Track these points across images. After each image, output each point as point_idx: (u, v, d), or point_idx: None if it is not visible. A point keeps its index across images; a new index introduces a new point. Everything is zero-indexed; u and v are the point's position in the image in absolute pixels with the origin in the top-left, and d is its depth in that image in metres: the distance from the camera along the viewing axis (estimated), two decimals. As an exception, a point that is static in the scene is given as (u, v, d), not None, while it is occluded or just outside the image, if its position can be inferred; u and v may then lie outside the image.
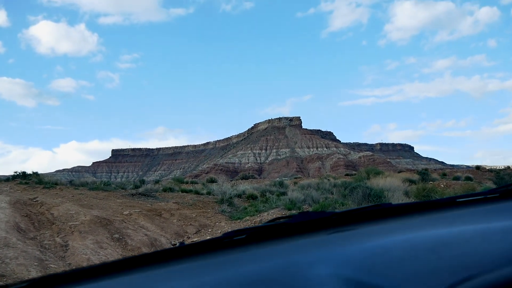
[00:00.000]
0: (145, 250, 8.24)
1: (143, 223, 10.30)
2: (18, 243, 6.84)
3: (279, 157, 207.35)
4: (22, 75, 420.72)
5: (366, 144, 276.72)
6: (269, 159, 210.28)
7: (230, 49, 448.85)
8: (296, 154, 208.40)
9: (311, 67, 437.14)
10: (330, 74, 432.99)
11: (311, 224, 1.19)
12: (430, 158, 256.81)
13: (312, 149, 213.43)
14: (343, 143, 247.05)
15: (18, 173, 19.23)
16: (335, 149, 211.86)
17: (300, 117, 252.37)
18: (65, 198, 12.50)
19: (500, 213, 1.16)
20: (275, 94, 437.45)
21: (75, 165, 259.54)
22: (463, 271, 0.82)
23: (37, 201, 11.04)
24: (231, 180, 37.69)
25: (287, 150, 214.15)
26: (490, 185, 22.08)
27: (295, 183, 24.95)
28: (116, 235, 8.63)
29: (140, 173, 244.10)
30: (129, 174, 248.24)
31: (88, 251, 7.29)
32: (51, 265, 6.38)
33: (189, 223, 11.36)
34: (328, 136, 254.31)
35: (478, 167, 43.45)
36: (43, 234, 8.18)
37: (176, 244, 8.90)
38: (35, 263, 6.10)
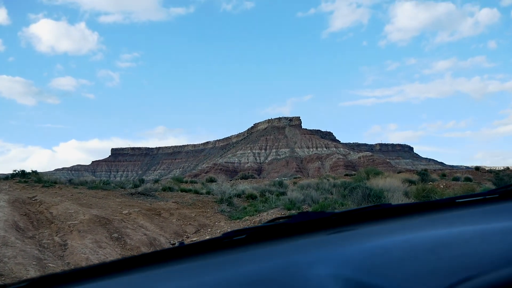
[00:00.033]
0: (144, 249, 8.22)
1: (142, 222, 10.29)
2: (16, 242, 6.82)
3: (278, 157, 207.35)
4: (22, 73, 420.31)
5: (365, 145, 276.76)
6: (269, 159, 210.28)
7: (231, 49, 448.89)
8: (295, 154, 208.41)
9: (312, 67, 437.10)
10: (331, 75, 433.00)
11: (310, 224, 1.19)
12: (430, 159, 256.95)
13: (311, 149, 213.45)
14: (343, 143, 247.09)
15: (17, 171, 19.22)
16: (334, 149, 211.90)
17: (300, 117, 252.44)
18: (64, 197, 12.49)
19: (500, 213, 1.17)
20: (275, 94, 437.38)
21: (75, 164, 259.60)
22: (462, 271, 0.82)
23: (36, 200, 11.02)
24: (231, 180, 37.69)
25: (287, 150, 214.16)
26: (489, 186, 22.10)
27: (295, 183, 24.93)
28: (115, 235, 8.61)
29: (140, 172, 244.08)
30: (129, 173, 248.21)
31: (87, 250, 7.27)
32: (49, 264, 6.36)
33: (188, 223, 11.34)
34: (327, 136, 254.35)
35: (477, 168, 43.47)
36: (42, 233, 8.16)
37: (175, 244, 8.88)
38: (34, 262, 6.07)
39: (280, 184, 21.31)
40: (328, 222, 1.21)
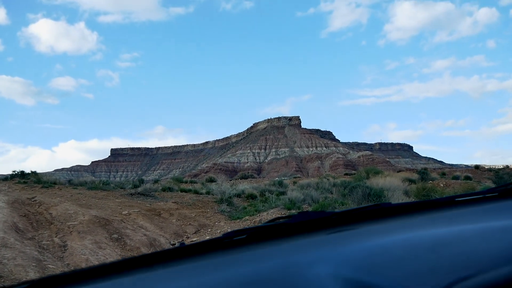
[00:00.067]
0: (144, 250, 8.20)
1: (142, 223, 10.26)
2: (16, 243, 6.79)
3: (278, 157, 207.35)
4: (21, 73, 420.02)
5: (365, 144, 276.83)
6: (268, 158, 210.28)
7: (230, 48, 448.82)
8: (295, 153, 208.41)
9: (311, 67, 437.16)
10: (330, 74, 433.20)
11: (310, 224, 1.19)
12: (429, 158, 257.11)
13: (311, 149, 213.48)
14: (342, 143, 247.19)
15: (16, 172, 19.17)
16: (334, 148, 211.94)
17: (299, 116, 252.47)
18: (63, 198, 12.46)
19: (499, 212, 1.17)
20: (274, 93, 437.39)
21: (74, 164, 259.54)
22: (461, 270, 0.83)
23: (35, 200, 10.99)
24: (230, 180, 37.68)
25: (286, 149, 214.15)
26: (489, 184, 22.11)
27: (295, 182, 24.91)
28: (115, 235, 8.58)
29: (139, 172, 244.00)
30: (128, 173, 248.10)
31: (86, 251, 7.25)
32: (49, 265, 6.34)
33: (188, 223, 11.32)
34: (327, 135, 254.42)
35: (477, 167, 43.50)
36: (41, 234, 8.13)
37: (175, 244, 8.87)
38: (33, 264, 6.05)
39: (280, 183, 21.28)
40: (328, 221, 1.21)
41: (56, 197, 12.39)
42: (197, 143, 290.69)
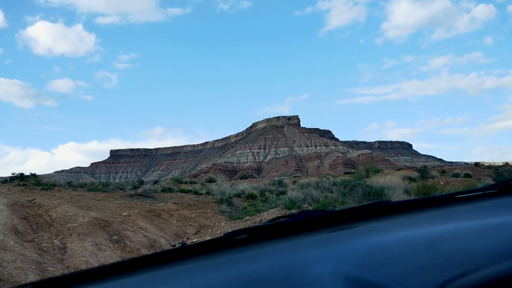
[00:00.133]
0: (144, 251, 8.17)
1: (142, 224, 10.23)
2: (15, 246, 6.75)
3: (277, 156, 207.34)
4: (19, 76, 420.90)
5: (364, 142, 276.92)
6: (268, 158, 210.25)
7: (228, 48, 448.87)
8: (294, 153, 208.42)
9: (309, 66, 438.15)
10: (328, 73, 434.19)
11: (311, 223, 1.20)
12: (429, 155, 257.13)
13: (310, 148, 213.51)
14: (342, 142, 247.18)
15: (16, 174, 19.11)
16: (333, 147, 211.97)
17: (298, 116, 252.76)
18: (63, 200, 12.42)
19: (498, 209, 1.18)
20: (273, 93, 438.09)
21: (74, 166, 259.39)
22: (457, 267, 0.84)
23: (35, 203, 10.95)
24: (230, 180, 37.63)
25: (286, 149, 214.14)
26: (489, 181, 22.11)
27: (295, 182, 24.87)
28: (115, 237, 8.55)
29: (139, 173, 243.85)
30: (128, 174, 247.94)
31: (86, 253, 7.21)
32: (49, 268, 6.31)
33: (188, 224, 11.29)
34: (326, 134, 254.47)
35: (476, 164, 43.49)
36: (41, 236, 8.09)
37: (175, 245, 8.84)
38: (33, 266, 6.02)
39: (280, 183, 21.25)
40: (329, 220, 1.21)
41: (55, 199, 12.35)
42: (197, 143, 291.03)
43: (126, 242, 8.45)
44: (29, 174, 19.01)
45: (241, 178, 39.26)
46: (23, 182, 17.04)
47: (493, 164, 47.70)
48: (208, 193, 17.55)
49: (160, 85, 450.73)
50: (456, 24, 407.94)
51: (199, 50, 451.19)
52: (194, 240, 9.65)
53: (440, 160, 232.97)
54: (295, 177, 40.80)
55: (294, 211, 11.52)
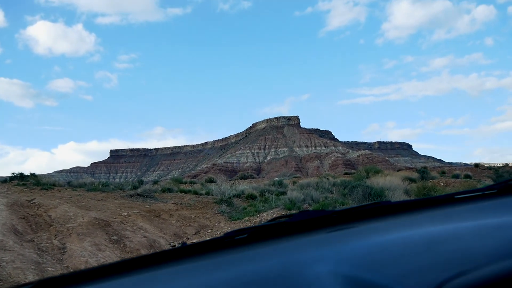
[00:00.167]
0: (144, 252, 8.15)
1: (141, 224, 10.21)
2: (15, 246, 6.74)
3: (277, 157, 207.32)
4: (19, 75, 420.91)
5: (364, 143, 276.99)
6: (268, 158, 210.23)
7: (228, 49, 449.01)
8: (294, 153, 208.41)
9: (309, 66, 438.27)
10: (328, 73, 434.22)
11: (311, 223, 1.19)
12: (428, 156, 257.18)
13: (310, 148, 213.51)
14: (342, 142, 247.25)
15: (15, 174, 19.10)
16: (333, 148, 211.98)
17: (298, 116, 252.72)
18: (63, 200, 12.40)
19: (497, 209, 1.18)
20: (273, 93, 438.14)
21: (73, 166, 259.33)
22: (456, 267, 0.84)
23: (34, 202, 10.93)
24: (230, 180, 37.60)
25: (286, 149, 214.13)
26: (489, 183, 22.07)
27: (294, 182, 24.86)
28: (115, 237, 8.53)
29: (139, 173, 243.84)
30: (128, 174, 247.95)
31: (86, 253, 7.20)
32: (48, 268, 6.29)
33: (188, 224, 11.27)
34: (326, 135, 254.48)
35: (476, 165, 43.51)
36: (40, 236, 8.08)
37: (175, 246, 8.82)
38: (32, 267, 6.00)
39: (280, 183, 21.24)
40: (329, 220, 1.22)
41: (55, 199, 12.33)
42: (197, 143, 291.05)
43: (126, 242, 8.43)
44: (29, 174, 19.00)
45: (241, 178, 39.27)
46: (22, 182, 17.03)
47: (493, 165, 47.69)
48: (208, 194, 17.53)
49: (160, 85, 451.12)
50: (456, 25, 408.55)
51: (199, 50, 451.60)
52: (194, 241, 9.63)
53: (440, 161, 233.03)
54: (295, 177, 40.79)
55: (294, 211, 11.51)
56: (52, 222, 9.08)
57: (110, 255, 7.50)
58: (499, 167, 41.87)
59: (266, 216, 11.32)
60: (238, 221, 11.73)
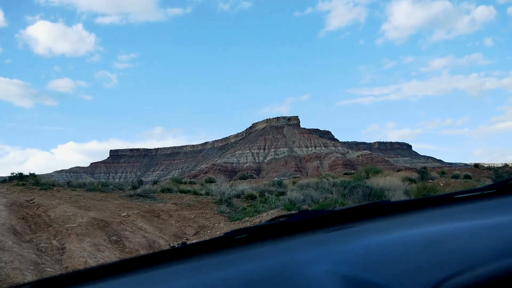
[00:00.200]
0: (143, 252, 8.13)
1: (141, 224, 10.19)
2: (13, 246, 6.72)
3: (277, 157, 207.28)
4: (19, 75, 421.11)
5: (364, 143, 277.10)
6: (268, 158, 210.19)
7: (228, 49, 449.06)
8: (294, 153, 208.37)
9: (309, 66, 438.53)
10: (328, 74, 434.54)
11: (310, 223, 1.20)
12: (428, 157, 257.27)
13: (310, 148, 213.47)
14: (341, 142, 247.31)
15: (15, 174, 19.07)
16: (333, 148, 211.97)
17: (298, 116, 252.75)
18: (62, 200, 12.37)
19: (496, 208, 1.19)
20: (273, 93, 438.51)
21: (73, 166, 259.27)
22: (456, 266, 0.85)
23: (33, 202, 10.91)
24: (230, 180, 37.58)
25: (285, 149, 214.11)
26: (489, 183, 22.05)
27: (294, 182, 24.84)
28: (114, 237, 8.51)
29: (138, 173, 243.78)
30: (127, 174, 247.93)
31: (85, 254, 7.18)
32: (47, 268, 6.27)
33: (187, 224, 11.25)
34: (326, 135, 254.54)
35: (476, 165, 43.52)
36: (39, 236, 8.06)
37: (174, 246, 8.80)
38: (31, 267, 5.98)
39: (280, 184, 21.23)
40: (328, 220, 1.21)
41: (54, 199, 12.31)
42: (196, 143, 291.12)
43: (125, 242, 8.41)
44: (28, 174, 18.97)
45: (241, 178, 39.25)
46: (22, 182, 17.00)
47: (492, 165, 47.72)
48: (207, 194, 17.51)
49: (160, 85, 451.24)
50: (456, 26, 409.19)
51: (199, 50, 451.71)
52: (193, 241, 9.61)
53: (440, 161, 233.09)
54: (294, 177, 40.77)
55: (293, 211, 11.49)
56: (51, 222, 9.06)
57: (110, 256, 7.48)
58: (498, 168, 41.89)
59: (265, 217, 11.30)
60: (238, 221, 11.72)
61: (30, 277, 5.60)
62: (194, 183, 28.55)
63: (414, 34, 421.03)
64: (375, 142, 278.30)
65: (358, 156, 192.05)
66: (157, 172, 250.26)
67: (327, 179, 24.96)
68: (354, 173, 31.62)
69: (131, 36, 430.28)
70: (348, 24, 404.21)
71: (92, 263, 6.85)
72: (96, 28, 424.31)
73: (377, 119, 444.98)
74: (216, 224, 11.62)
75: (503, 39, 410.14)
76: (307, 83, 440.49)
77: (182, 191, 18.30)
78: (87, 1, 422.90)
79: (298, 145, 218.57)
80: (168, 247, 8.90)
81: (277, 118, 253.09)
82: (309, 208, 12.28)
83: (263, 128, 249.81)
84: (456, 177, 28.42)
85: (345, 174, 40.51)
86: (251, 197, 16.56)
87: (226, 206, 14.20)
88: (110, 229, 8.92)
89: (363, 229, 1.13)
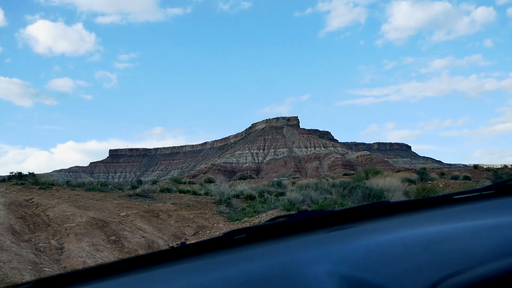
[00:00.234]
0: (142, 252, 8.11)
1: (140, 224, 10.17)
2: (12, 245, 6.70)
3: (277, 157, 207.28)
4: (19, 74, 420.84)
5: (363, 144, 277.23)
6: (267, 159, 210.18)
7: (228, 49, 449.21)
8: (293, 154, 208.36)
9: (309, 67, 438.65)
10: (328, 74, 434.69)
11: (310, 223, 1.20)
12: (427, 157, 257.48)
13: (309, 149, 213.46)
14: (341, 143, 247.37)
15: (14, 173, 19.04)
16: (332, 148, 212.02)
17: (297, 116, 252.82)
18: (61, 199, 12.35)
19: (494, 209, 1.19)
20: (273, 94, 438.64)
21: (73, 166, 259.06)
22: (455, 266, 0.85)
23: (32, 202, 10.88)
24: (229, 180, 37.57)
25: (285, 150, 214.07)
26: (488, 184, 22.07)
27: (293, 183, 24.83)
28: (113, 237, 8.50)
29: (138, 173, 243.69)
30: (127, 174, 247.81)
31: (84, 253, 7.16)
32: (45, 268, 6.25)
33: (187, 225, 11.23)
34: (325, 135, 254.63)
35: (475, 166, 43.54)
36: (38, 236, 8.04)
37: (173, 246, 8.79)
38: (29, 267, 5.96)
39: (279, 184, 21.23)
40: (328, 220, 1.22)
41: (53, 199, 12.28)
42: (196, 143, 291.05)
43: (124, 242, 8.40)
44: (28, 173, 18.94)
45: (240, 178, 39.23)
46: (21, 181, 16.97)
47: (492, 166, 47.77)
48: (206, 194, 17.50)
49: (160, 85, 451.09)
50: (456, 27, 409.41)
51: (199, 50, 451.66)
52: (193, 241, 9.60)
53: (439, 162, 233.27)
54: (294, 178, 40.78)
55: (293, 212, 11.48)
56: (50, 222, 9.04)
57: (108, 256, 7.46)
58: (498, 169, 41.95)
59: (265, 217, 11.29)
60: (237, 221, 11.70)
61: (28, 277, 5.58)
62: (194, 183, 28.53)
63: (414, 35, 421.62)
64: (374, 143, 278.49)
65: (357, 157, 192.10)
66: (157, 172, 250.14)
67: (327, 179, 24.94)
68: (353, 174, 31.61)
69: (131, 36, 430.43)
70: (348, 25, 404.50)
71: (90, 263, 6.83)
72: (96, 27, 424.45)
73: (376, 119, 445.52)
74: (215, 224, 11.60)
75: (503, 40, 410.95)
76: (307, 83, 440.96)
77: (181, 191, 18.29)
78: (87, 1, 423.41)
79: (297, 145, 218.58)
80: (167, 247, 8.88)
81: (277, 119, 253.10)
82: (309, 209, 12.26)
83: (263, 129, 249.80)
84: (455, 178, 28.43)
85: (345, 174, 40.49)
86: (250, 197, 16.54)
87: (225, 206, 14.19)
88: (109, 229, 8.90)
89: (362, 229, 1.13)
